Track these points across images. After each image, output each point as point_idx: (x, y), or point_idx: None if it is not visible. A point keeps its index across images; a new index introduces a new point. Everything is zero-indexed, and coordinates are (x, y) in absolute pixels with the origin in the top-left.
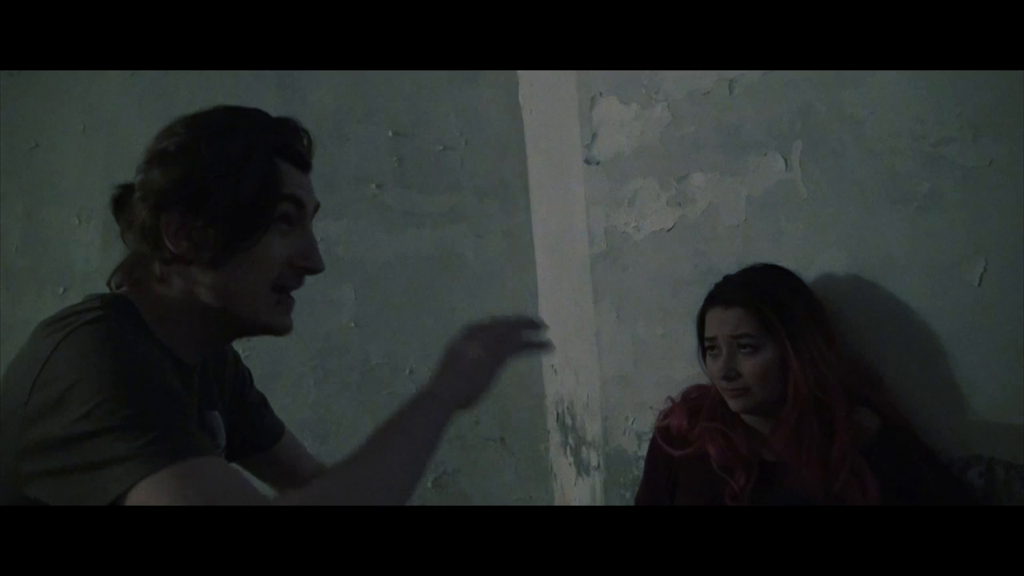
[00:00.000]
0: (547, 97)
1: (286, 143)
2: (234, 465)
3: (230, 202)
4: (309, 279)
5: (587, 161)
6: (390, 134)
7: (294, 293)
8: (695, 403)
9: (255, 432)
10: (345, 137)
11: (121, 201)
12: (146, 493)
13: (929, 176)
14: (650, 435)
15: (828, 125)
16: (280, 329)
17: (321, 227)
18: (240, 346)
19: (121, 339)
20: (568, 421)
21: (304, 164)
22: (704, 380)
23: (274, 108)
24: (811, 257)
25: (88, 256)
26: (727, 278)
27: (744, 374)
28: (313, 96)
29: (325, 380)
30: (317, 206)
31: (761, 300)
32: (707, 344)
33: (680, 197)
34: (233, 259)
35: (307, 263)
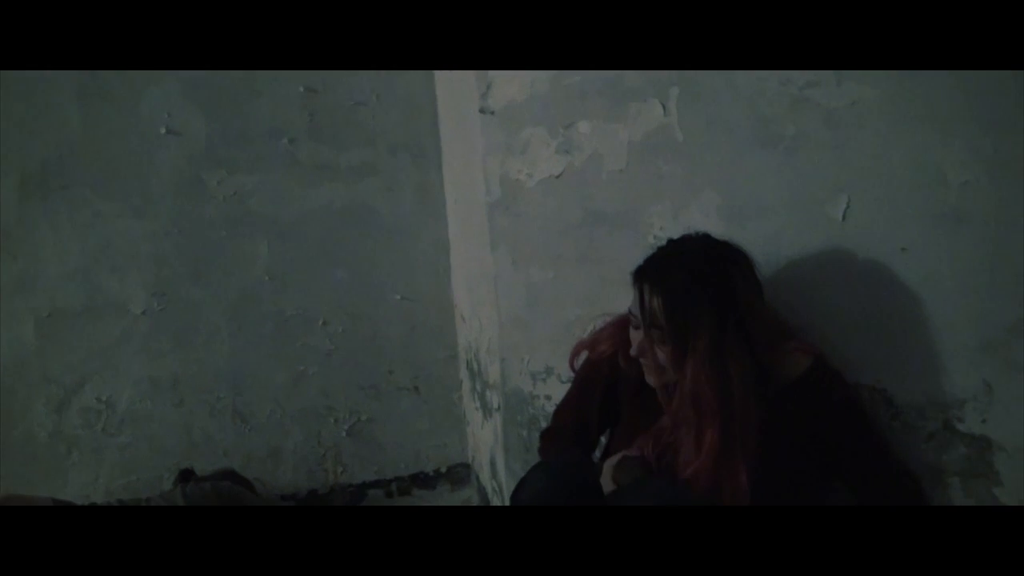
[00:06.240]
0: None
1: None
2: None
3: None
4: (222, 232)
5: (482, 111)
6: (302, 90)
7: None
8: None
9: None
10: (258, 92)
11: None
12: None
13: (795, 118)
14: (544, 375)
15: (701, 71)
16: None
17: (234, 181)
18: (156, 300)
19: None
20: (475, 367)
21: None
22: (609, 317)
23: None
24: (688, 198)
25: (8, 213)
26: (662, 251)
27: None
28: None
29: (239, 332)
30: None
31: (677, 305)
32: (631, 313)
33: (568, 144)
34: None
35: None
